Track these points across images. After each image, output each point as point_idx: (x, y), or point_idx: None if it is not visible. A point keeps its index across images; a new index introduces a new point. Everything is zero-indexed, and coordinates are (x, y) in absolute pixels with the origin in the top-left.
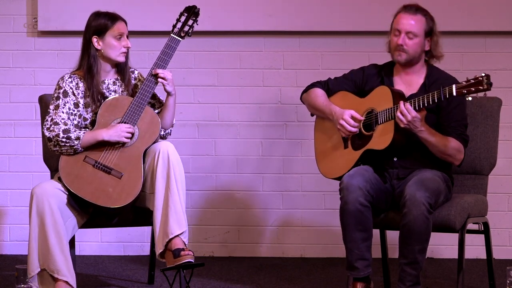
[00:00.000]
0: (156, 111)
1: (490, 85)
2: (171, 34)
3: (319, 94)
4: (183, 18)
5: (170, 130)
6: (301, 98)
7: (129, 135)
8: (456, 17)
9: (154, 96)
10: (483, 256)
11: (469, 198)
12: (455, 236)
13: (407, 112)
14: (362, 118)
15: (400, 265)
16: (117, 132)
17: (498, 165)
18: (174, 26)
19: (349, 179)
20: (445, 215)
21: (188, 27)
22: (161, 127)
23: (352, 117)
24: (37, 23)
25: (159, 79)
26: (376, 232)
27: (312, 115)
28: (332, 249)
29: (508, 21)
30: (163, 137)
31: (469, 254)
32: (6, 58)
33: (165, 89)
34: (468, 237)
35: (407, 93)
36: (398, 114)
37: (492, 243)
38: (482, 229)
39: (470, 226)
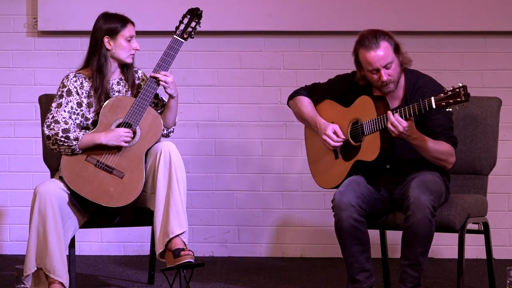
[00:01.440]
0: (159, 110)
1: (467, 96)
2: (174, 36)
3: (305, 103)
4: (185, 20)
5: (173, 128)
6: (288, 104)
7: (128, 139)
8: (456, 17)
9: (156, 96)
10: (483, 256)
11: (469, 198)
12: (455, 236)
13: (398, 124)
14: (343, 137)
15: (402, 266)
16: (115, 136)
17: (498, 165)
18: (177, 28)
19: (340, 197)
20: (445, 215)
21: (191, 29)
22: (163, 126)
23: (335, 132)
24: (37, 23)
25: (161, 82)
26: (376, 232)
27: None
28: (332, 249)
29: (508, 21)
30: (165, 136)
31: (469, 254)
32: (6, 58)
33: (166, 92)
34: (468, 237)
35: (390, 106)
36: (389, 126)
37: (492, 243)
38: (482, 229)
39: (470, 226)
